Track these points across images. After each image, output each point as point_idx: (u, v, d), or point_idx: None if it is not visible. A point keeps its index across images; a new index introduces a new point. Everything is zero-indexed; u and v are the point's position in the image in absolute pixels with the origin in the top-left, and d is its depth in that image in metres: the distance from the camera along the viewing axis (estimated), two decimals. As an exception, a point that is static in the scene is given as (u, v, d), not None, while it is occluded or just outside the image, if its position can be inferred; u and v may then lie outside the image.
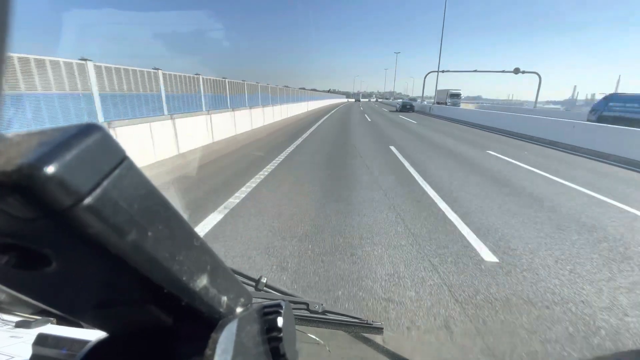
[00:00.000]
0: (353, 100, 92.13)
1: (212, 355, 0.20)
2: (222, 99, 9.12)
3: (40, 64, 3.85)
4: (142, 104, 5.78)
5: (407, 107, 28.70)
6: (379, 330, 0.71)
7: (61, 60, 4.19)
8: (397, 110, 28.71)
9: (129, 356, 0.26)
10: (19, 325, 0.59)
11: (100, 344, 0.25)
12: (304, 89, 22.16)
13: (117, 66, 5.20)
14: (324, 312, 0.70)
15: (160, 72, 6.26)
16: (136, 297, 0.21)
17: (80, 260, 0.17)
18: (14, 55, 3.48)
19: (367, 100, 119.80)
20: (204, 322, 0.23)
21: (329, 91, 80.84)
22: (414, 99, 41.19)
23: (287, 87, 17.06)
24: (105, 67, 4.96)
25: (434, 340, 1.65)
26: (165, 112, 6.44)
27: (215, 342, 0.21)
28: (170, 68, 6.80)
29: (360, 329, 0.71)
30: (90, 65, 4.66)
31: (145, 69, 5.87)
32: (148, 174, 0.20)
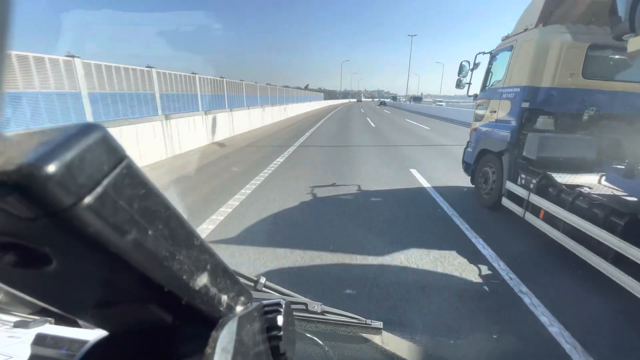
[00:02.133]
0: (334, 102, 73.83)
1: (212, 353, 0.20)
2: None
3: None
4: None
5: (383, 102, 58.95)
6: (377, 330, 0.71)
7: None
8: (378, 105, 54.82)
9: (129, 355, 0.26)
10: (17, 325, 0.59)
11: (100, 343, 0.25)
12: (287, 86, 20.54)
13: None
14: (323, 312, 0.70)
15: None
16: (136, 296, 0.21)
17: (81, 259, 0.17)
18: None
19: (371, 100, 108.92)
20: (204, 321, 0.23)
21: (306, 88, 48.22)
22: (390, 98, 71.26)
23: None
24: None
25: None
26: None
27: (216, 341, 0.21)
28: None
29: (358, 329, 0.71)
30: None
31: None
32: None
